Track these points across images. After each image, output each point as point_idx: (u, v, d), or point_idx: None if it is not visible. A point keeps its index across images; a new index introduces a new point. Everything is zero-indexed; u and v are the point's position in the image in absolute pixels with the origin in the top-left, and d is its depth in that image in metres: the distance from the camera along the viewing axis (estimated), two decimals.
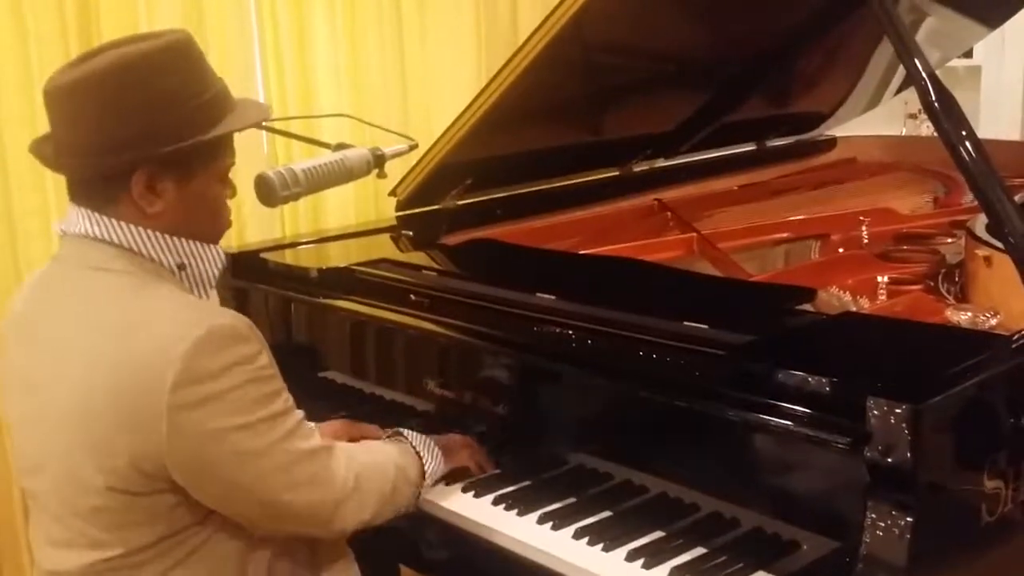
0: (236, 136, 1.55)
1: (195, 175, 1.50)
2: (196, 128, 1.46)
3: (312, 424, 1.55)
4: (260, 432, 1.41)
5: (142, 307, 1.43)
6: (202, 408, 1.37)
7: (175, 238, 1.50)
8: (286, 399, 1.48)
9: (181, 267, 1.51)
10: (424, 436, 1.75)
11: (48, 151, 1.50)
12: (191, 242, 1.52)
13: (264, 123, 2.19)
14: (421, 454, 1.71)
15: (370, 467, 1.60)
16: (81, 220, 1.47)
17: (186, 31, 1.52)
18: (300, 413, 1.50)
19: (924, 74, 1.74)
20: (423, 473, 1.69)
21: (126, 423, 1.37)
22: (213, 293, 1.59)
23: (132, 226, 1.47)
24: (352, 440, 1.91)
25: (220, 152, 1.53)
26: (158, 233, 1.48)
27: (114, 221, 1.46)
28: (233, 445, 1.40)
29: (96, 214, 1.46)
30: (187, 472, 1.40)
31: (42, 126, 2.37)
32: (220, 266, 1.58)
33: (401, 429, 1.77)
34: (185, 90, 1.46)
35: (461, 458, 1.80)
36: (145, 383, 1.36)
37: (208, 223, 1.56)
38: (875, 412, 1.35)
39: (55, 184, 2.47)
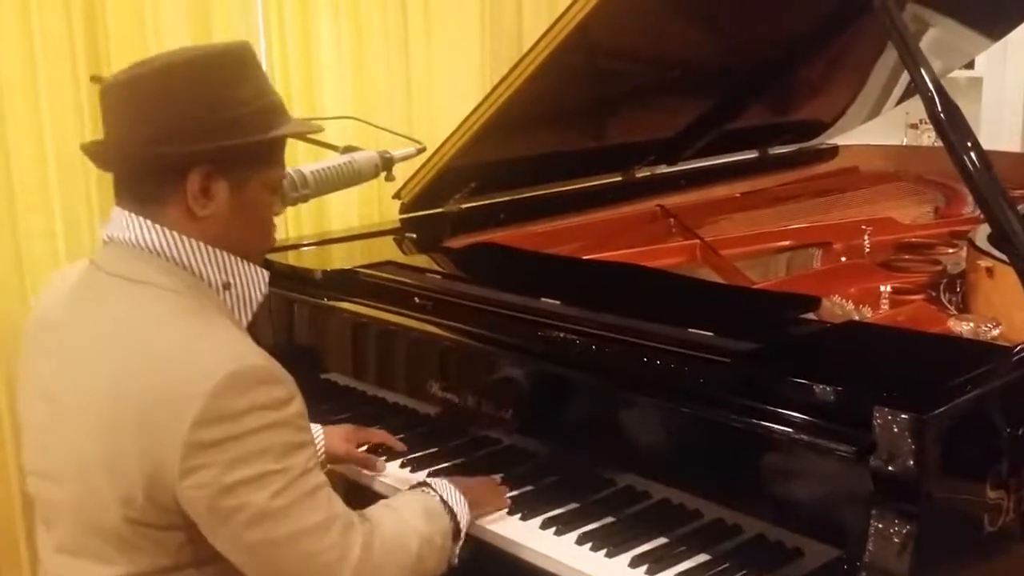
0: None
1: (248, 181, 1.46)
2: (255, 128, 1.43)
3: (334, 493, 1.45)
4: (274, 488, 1.33)
5: (180, 334, 1.38)
6: (218, 450, 1.31)
7: (222, 253, 1.45)
8: (309, 457, 1.39)
9: (227, 286, 1.47)
10: (450, 486, 1.65)
11: (98, 151, 1.47)
12: (237, 260, 1.48)
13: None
14: (454, 509, 1.61)
15: (391, 541, 1.49)
16: (130, 226, 1.43)
17: (247, 42, 1.50)
18: (323, 477, 1.42)
19: (930, 84, 1.75)
20: (455, 532, 1.60)
21: (146, 451, 1.32)
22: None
23: (182, 236, 1.42)
24: (359, 445, 1.92)
25: (274, 160, 1.51)
26: (206, 246, 1.44)
27: (164, 229, 1.42)
28: (242, 497, 1.32)
29: (146, 220, 1.42)
30: (199, 515, 1.35)
31: (46, 125, 2.43)
32: (264, 290, 1.53)
33: (429, 480, 1.68)
34: (245, 92, 1.43)
35: (487, 509, 1.71)
36: (169, 416, 1.31)
37: (256, 235, 1.52)
38: (880, 422, 1.36)
39: (58, 182, 2.47)
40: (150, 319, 1.40)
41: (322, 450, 1.83)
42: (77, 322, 1.46)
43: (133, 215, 1.43)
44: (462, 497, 1.64)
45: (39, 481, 1.51)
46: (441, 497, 1.63)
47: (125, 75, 1.42)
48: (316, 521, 1.38)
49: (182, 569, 1.41)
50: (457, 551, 1.61)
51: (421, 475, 1.85)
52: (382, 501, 1.63)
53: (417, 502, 1.61)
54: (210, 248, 1.45)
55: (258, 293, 1.52)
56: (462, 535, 1.62)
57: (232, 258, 1.47)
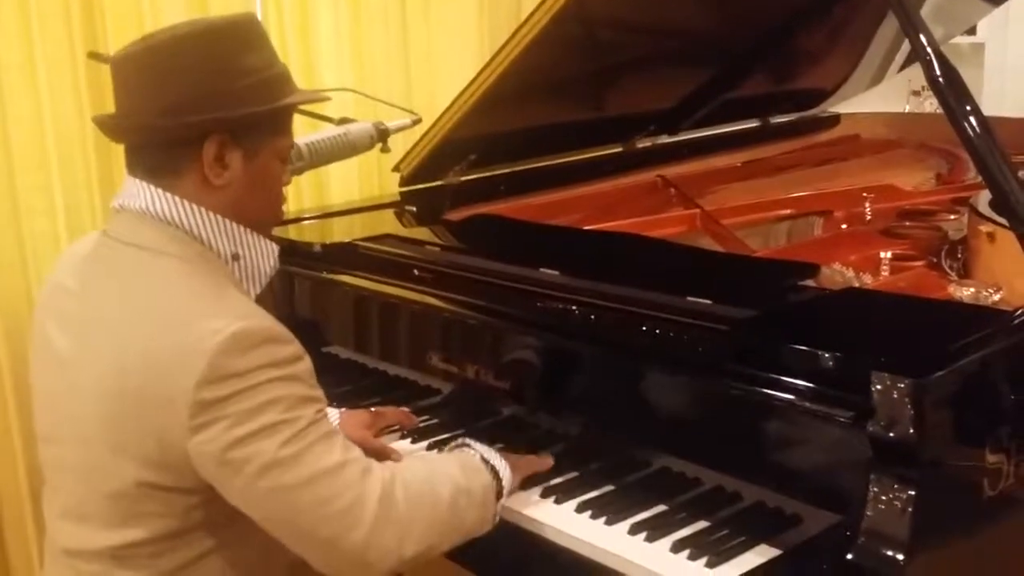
0: None
1: (261, 149, 1.47)
2: (268, 97, 1.45)
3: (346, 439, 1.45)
4: (281, 438, 1.33)
5: (187, 297, 1.39)
6: (223, 406, 1.32)
7: (233, 224, 1.47)
8: (319, 410, 1.40)
9: (235, 257, 1.48)
10: (489, 448, 1.63)
11: (111, 123, 1.48)
12: (248, 231, 1.49)
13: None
14: (495, 465, 1.58)
15: (416, 489, 1.45)
16: (142, 194, 1.44)
17: (253, 13, 1.52)
18: (331, 426, 1.42)
19: (929, 50, 1.74)
20: (498, 490, 1.56)
21: (155, 413, 1.34)
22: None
23: (194, 205, 1.44)
24: (378, 435, 1.87)
25: (284, 129, 1.52)
26: (218, 216, 1.45)
27: (176, 198, 1.43)
28: (249, 449, 1.33)
29: (159, 189, 1.43)
30: (210, 473, 1.36)
31: (45, 103, 2.42)
32: (273, 262, 1.54)
33: (468, 440, 1.66)
34: (257, 61, 1.45)
35: (522, 467, 1.67)
36: (175, 376, 1.32)
37: (267, 205, 1.54)
38: (879, 387, 1.36)
39: (58, 160, 2.47)
40: (159, 285, 1.41)
41: None
42: (88, 290, 1.48)
43: (146, 184, 1.45)
44: (502, 459, 1.61)
45: (48, 446, 1.53)
46: (481, 455, 1.60)
47: (137, 47, 1.42)
48: (327, 466, 1.36)
49: (188, 533, 1.43)
50: (499, 510, 1.57)
51: (422, 446, 1.86)
52: (410, 455, 1.62)
53: (452, 456, 1.59)
54: (221, 218, 1.46)
55: (267, 266, 1.54)
56: (505, 492, 1.58)
57: (242, 229, 1.49)
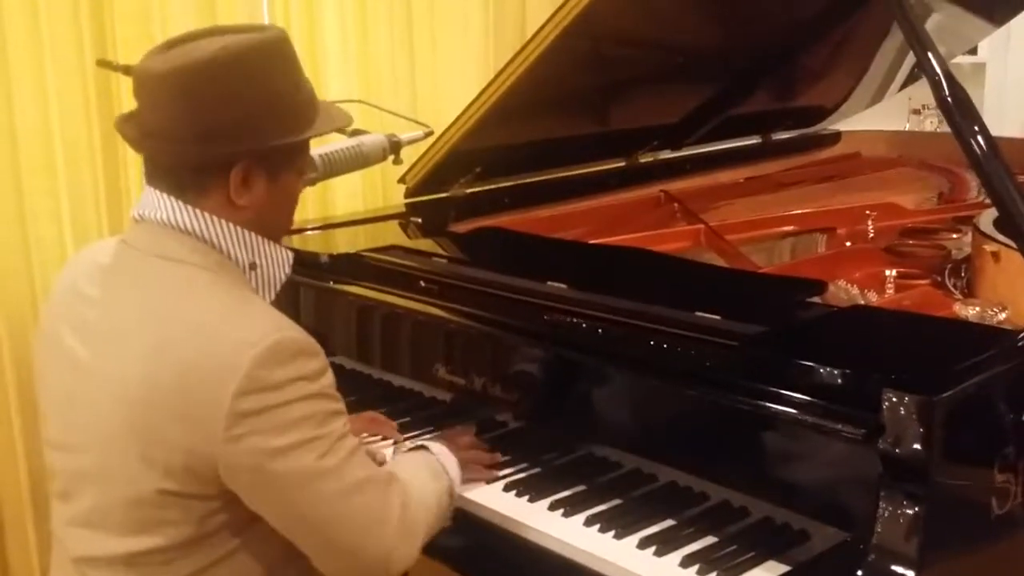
0: None
1: (284, 171, 1.50)
2: (298, 125, 1.47)
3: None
4: (319, 453, 1.37)
5: (215, 305, 1.41)
6: (260, 418, 1.33)
7: (250, 234, 1.48)
8: (346, 423, 1.44)
9: (253, 266, 1.50)
10: (444, 448, 1.70)
11: (133, 132, 1.47)
12: (265, 241, 1.51)
13: None
14: (449, 471, 1.66)
15: (419, 498, 1.53)
16: (163, 206, 1.45)
17: (283, 28, 1.51)
18: (357, 440, 1.46)
19: (939, 69, 1.75)
20: (451, 490, 1.65)
21: (186, 422, 1.34)
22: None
23: (214, 217, 1.45)
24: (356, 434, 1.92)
25: (306, 149, 1.56)
26: (237, 227, 1.47)
27: (198, 211, 1.44)
28: (289, 462, 1.35)
29: (179, 203, 1.44)
30: (241, 482, 1.38)
31: (53, 109, 2.42)
32: (287, 271, 1.57)
33: (426, 444, 1.72)
34: (287, 86, 1.46)
35: (470, 464, 1.75)
36: (210, 385, 1.33)
37: (284, 217, 1.57)
38: (889, 404, 1.36)
39: (65, 165, 2.47)
40: (186, 294, 1.42)
41: None
42: (112, 299, 1.48)
43: (167, 196, 1.45)
44: (453, 457, 1.69)
45: (58, 452, 1.52)
46: (438, 459, 1.67)
47: (164, 64, 1.41)
48: (361, 478, 1.42)
49: (203, 540, 1.43)
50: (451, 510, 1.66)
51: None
52: (392, 462, 1.68)
53: (425, 464, 1.66)
54: (240, 229, 1.48)
55: (282, 273, 1.56)
56: (456, 491, 1.67)
57: (259, 239, 1.51)
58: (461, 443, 1.78)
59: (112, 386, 1.41)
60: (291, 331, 1.40)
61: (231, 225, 1.47)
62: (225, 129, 1.40)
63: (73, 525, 1.50)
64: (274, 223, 1.54)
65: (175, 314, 1.40)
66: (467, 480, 1.72)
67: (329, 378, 1.43)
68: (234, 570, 1.46)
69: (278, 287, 1.56)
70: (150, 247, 1.46)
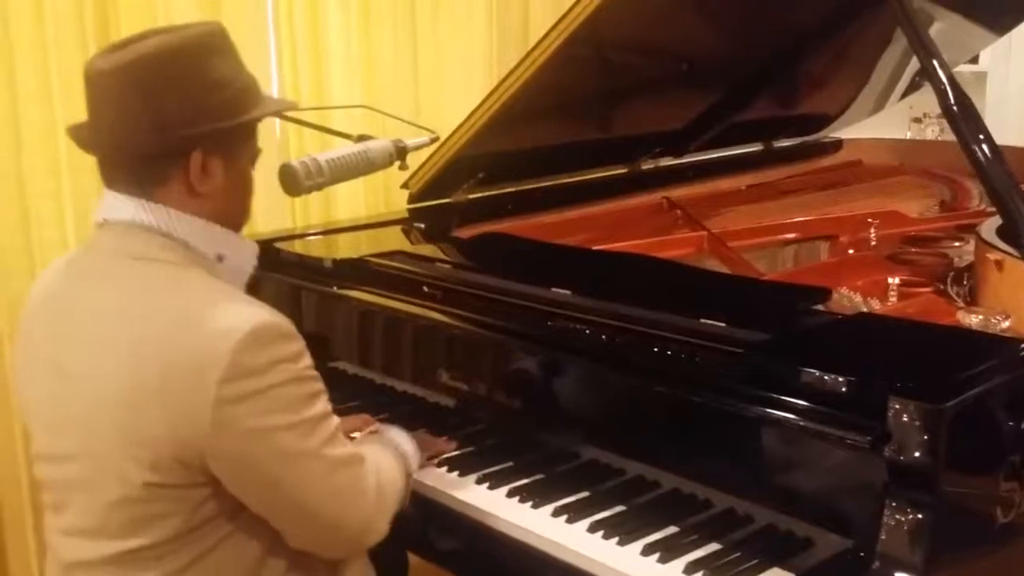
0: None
1: (239, 156, 1.54)
2: (246, 107, 1.51)
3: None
4: (303, 432, 1.41)
5: (191, 298, 1.43)
6: (246, 403, 1.36)
7: (215, 227, 1.51)
8: (326, 402, 1.48)
9: (220, 258, 1.52)
10: (403, 433, 1.78)
11: (88, 135, 1.50)
12: (228, 233, 1.54)
13: (285, 113, 2.20)
14: (406, 453, 1.72)
15: (389, 475, 1.60)
16: (127, 207, 1.47)
17: (219, 22, 1.55)
18: (337, 419, 1.50)
19: (944, 77, 1.76)
20: (408, 473, 1.70)
21: (172, 414, 1.36)
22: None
23: (177, 212, 1.47)
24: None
25: (255, 133, 1.58)
26: (199, 220, 1.49)
27: (161, 207, 1.47)
28: (276, 443, 1.39)
29: (141, 200, 1.46)
30: (229, 468, 1.40)
31: (57, 110, 2.42)
32: (254, 260, 1.59)
33: (381, 427, 1.81)
34: (230, 72, 1.50)
35: (425, 449, 1.84)
36: (194, 377, 1.35)
37: (242, 205, 1.59)
38: (895, 412, 1.37)
39: (69, 168, 2.47)
40: (159, 290, 1.44)
41: None
42: (86, 300, 1.49)
43: (130, 197, 1.47)
44: (411, 440, 1.77)
45: (47, 465, 1.53)
46: (396, 443, 1.73)
47: (115, 61, 1.44)
48: (342, 456, 1.48)
49: (194, 531, 1.44)
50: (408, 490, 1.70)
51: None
52: (356, 442, 1.72)
53: (386, 448, 1.70)
54: (204, 222, 1.50)
55: (248, 265, 1.59)
56: (413, 474, 1.72)
57: (224, 231, 1.53)
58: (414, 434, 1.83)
59: (94, 390, 1.42)
60: (269, 315, 1.42)
61: (195, 219, 1.49)
62: (178, 115, 1.43)
63: (65, 535, 1.51)
64: (234, 212, 1.57)
65: (151, 311, 1.41)
66: (424, 459, 1.81)
67: (308, 359, 1.45)
68: (223, 561, 1.47)
69: (245, 278, 1.58)
70: (118, 249, 1.48)
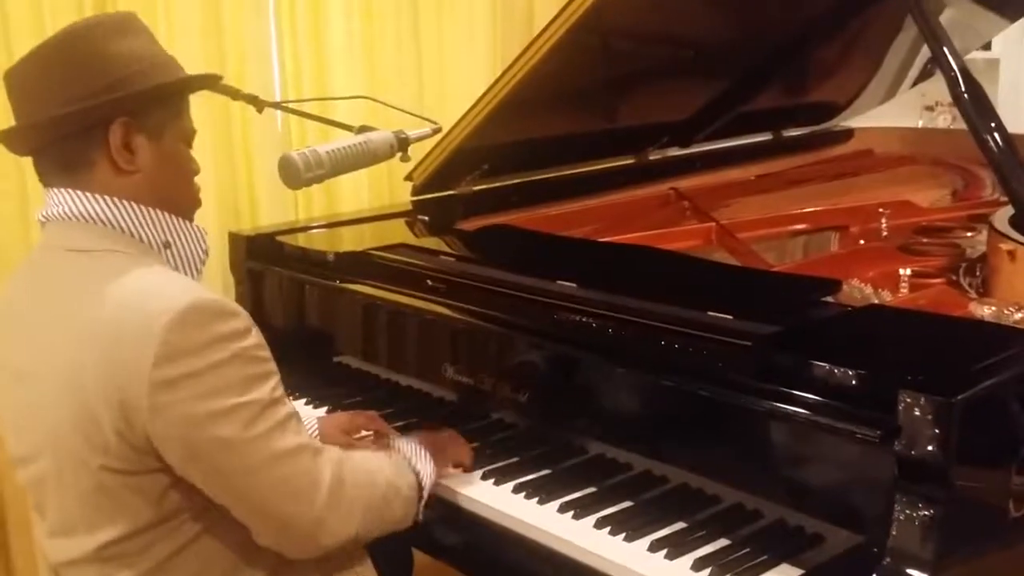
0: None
1: (164, 132, 1.50)
2: (161, 76, 1.49)
3: (303, 420, 1.51)
4: (247, 418, 1.36)
5: (132, 284, 1.40)
6: (182, 386, 1.33)
7: (156, 212, 1.49)
8: (275, 387, 1.42)
9: (167, 245, 1.50)
10: (414, 444, 1.69)
11: (14, 136, 1.49)
12: (173, 218, 1.51)
13: (286, 104, 2.18)
14: (417, 469, 1.64)
15: (360, 474, 1.52)
16: (62, 200, 1.46)
17: (134, 13, 1.55)
18: (291, 406, 1.45)
19: (954, 65, 1.73)
20: (420, 488, 1.63)
21: (113, 397, 1.34)
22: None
23: (114, 198, 1.46)
24: (355, 433, 1.92)
25: (182, 110, 1.55)
26: (140, 206, 1.48)
27: (97, 196, 1.45)
28: (215, 430, 1.35)
29: (77, 191, 1.46)
30: (173, 454, 1.37)
31: None
32: (205, 247, 1.57)
33: (397, 442, 1.72)
34: (141, 49, 1.49)
35: (447, 458, 1.76)
36: (130, 358, 1.33)
37: (181, 189, 1.56)
38: (906, 405, 1.34)
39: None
40: (104, 279, 1.42)
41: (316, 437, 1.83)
42: (35, 299, 1.49)
43: (64, 190, 1.47)
44: (425, 453, 1.68)
45: (24, 468, 1.53)
46: (405, 454, 1.66)
47: (25, 57, 1.46)
48: (287, 448, 1.41)
49: (167, 522, 1.43)
50: (422, 508, 1.63)
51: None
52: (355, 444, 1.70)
53: (383, 455, 1.65)
54: (145, 208, 1.49)
55: (199, 251, 1.56)
56: (426, 492, 1.64)
57: (167, 216, 1.51)
58: (438, 438, 1.78)
59: (49, 384, 1.42)
60: (206, 294, 1.39)
61: (132, 204, 1.47)
62: (87, 87, 1.42)
63: (49, 537, 1.52)
64: (175, 196, 1.54)
65: (96, 299, 1.40)
66: (443, 465, 1.73)
67: (254, 339, 1.41)
68: (207, 554, 1.46)
69: (199, 265, 1.56)
70: (61, 244, 1.47)
